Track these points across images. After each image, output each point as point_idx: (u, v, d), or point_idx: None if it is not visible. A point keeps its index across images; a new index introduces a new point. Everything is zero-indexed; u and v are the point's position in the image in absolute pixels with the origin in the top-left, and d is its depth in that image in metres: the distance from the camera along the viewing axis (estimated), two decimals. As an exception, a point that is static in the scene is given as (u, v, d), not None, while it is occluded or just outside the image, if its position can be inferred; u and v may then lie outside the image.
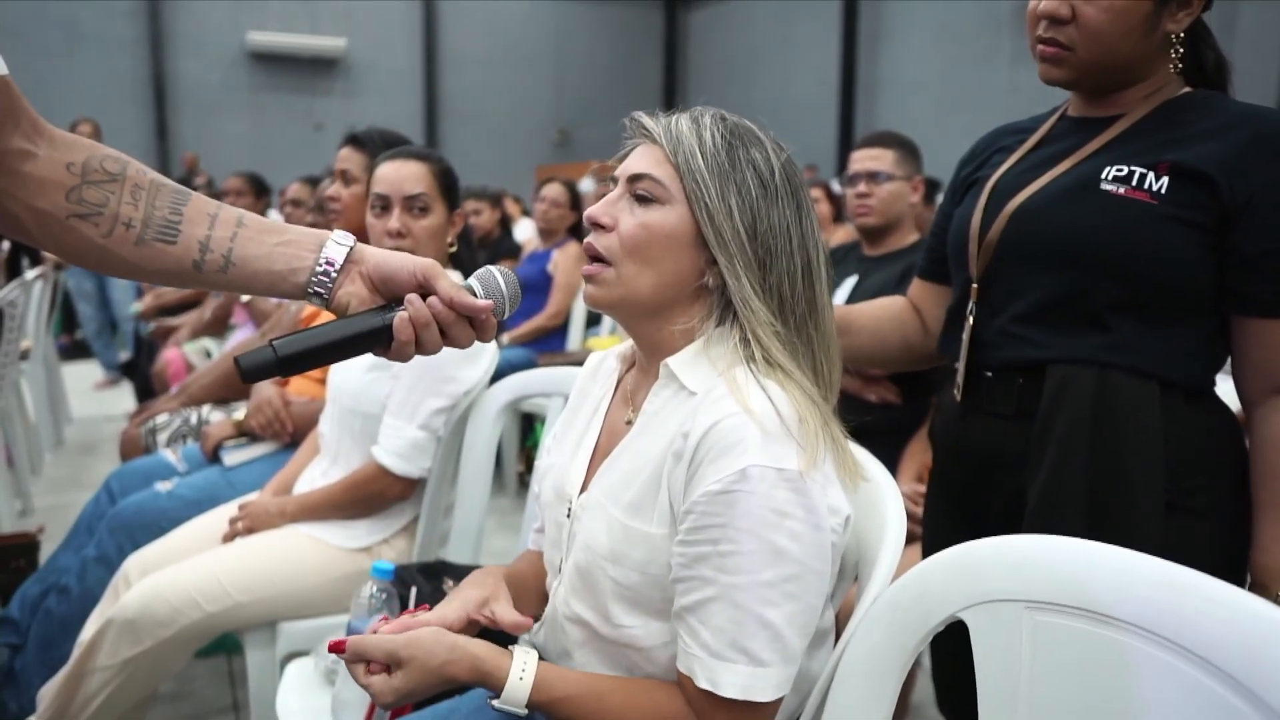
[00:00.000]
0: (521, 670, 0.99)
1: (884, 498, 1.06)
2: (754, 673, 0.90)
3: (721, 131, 1.02)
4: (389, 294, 0.93)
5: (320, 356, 0.90)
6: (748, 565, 0.90)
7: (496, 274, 0.97)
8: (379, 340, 0.92)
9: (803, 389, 0.98)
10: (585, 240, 1.05)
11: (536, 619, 1.20)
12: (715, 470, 0.91)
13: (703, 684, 0.91)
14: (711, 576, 0.91)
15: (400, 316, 0.90)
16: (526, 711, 0.98)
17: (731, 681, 0.90)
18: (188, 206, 0.88)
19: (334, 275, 0.91)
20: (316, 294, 0.91)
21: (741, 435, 0.91)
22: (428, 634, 1.02)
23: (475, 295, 0.94)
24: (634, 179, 1.03)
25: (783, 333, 1.00)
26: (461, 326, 0.93)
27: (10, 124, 0.81)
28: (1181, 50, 1.24)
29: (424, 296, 0.92)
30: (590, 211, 1.04)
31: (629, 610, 1.01)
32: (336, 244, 0.92)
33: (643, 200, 1.02)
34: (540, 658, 1.14)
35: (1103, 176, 1.18)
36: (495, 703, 0.98)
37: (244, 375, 0.87)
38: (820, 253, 1.04)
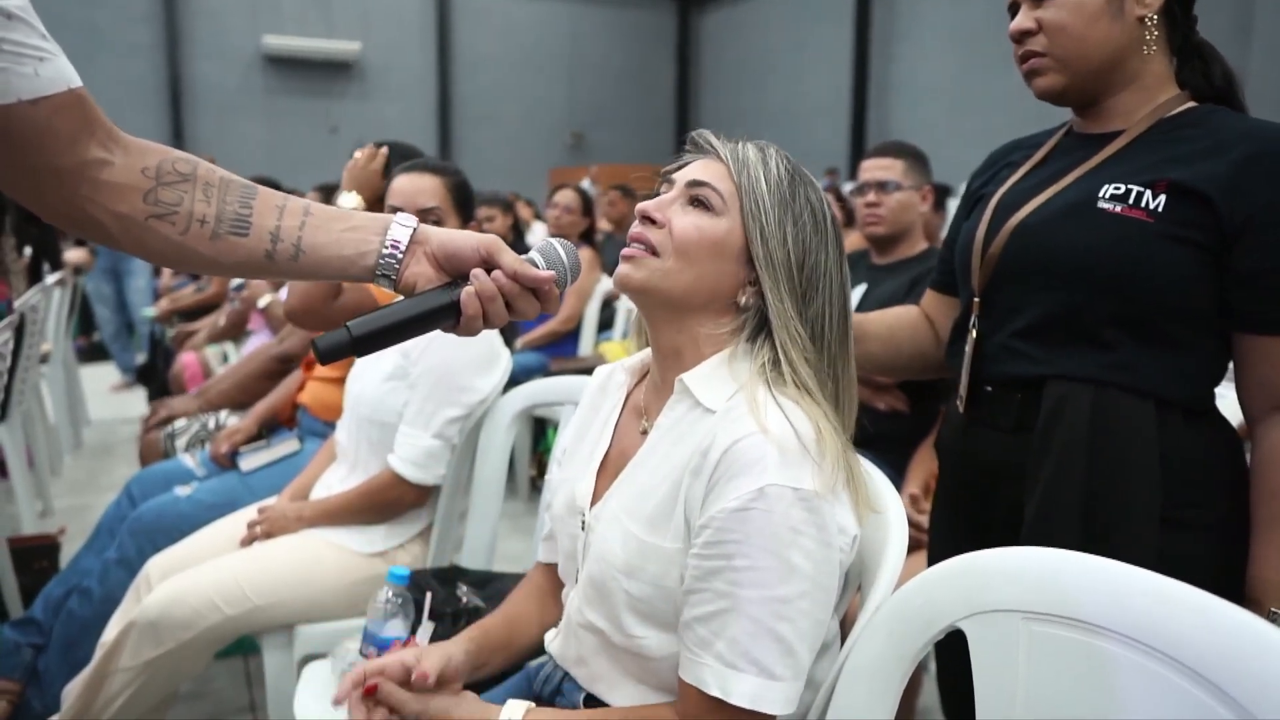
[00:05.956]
0: (512, 713, 1.03)
1: (887, 508, 1.08)
2: (765, 684, 0.93)
3: (786, 165, 1.06)
4: (454, 271, 0.95)
5: (393, 335, 0.93)
6: (762, 580, 0.92)
7: (557, 245, 1.00)
8: (447, 316, 0.94)
9: (825, 414, 1.00)
10: (632, 230, 1.07)
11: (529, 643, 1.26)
12: (734, 488, 0.93)
13: (713, 691, 0.93)
14: (726, 590, 0.93)
15: (467, 291, 0.93)
16: None
17: (742, 690, 0.92)
18: (256, 200, 0.92)
19: (400, 256, 0.93)
20: (385, 276, 0.94)
21: (760, 455, 0.94)
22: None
23: (538, 267, 0.97)
24: (694, 184, 1.06)
25: (813, 360, 1.03)
26: (526, 298, 0.96)
27: (87, 134, 0.84)
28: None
29: (488, 271, 0.94)
30: (643, 206, 1.07)
31: (640, 621, 1.04)
32: (400, 225, 0.95)
33: (697, 204, 1.05)
34: (556, 664, 1.17)
35: (1100, 195, 1.19)
36: None
37: (321, 357, 0.91)
38: (850, 301, 1.08)
